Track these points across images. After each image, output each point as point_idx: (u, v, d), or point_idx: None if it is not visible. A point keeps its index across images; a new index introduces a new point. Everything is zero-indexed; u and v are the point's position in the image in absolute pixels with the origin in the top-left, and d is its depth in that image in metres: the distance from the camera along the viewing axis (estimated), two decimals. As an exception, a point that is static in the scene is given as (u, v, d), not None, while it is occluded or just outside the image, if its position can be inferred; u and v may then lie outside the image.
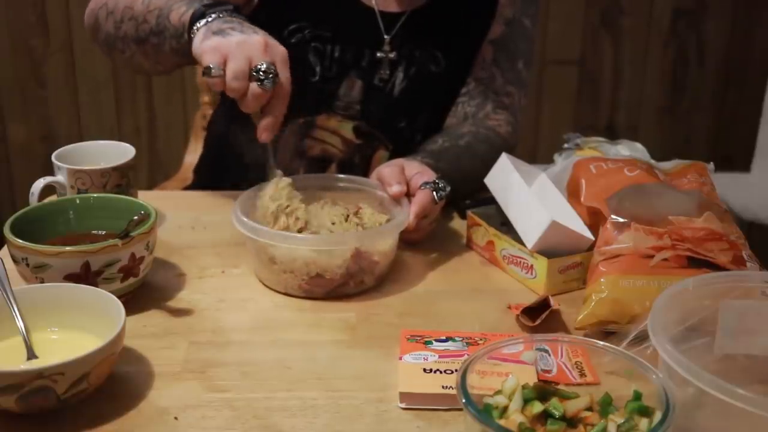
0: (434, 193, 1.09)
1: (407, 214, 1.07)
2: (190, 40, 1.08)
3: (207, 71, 1.00)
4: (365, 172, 1.29)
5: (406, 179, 1.12)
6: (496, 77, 1.38)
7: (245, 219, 1.03)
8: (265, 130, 1.05)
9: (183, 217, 1.24)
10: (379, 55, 1.33)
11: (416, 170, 1.12)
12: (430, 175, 1.11)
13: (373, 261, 1.03)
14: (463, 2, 1.36)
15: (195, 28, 1.08)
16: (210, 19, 1.07)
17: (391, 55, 1.33)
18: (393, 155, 1.34)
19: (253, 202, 1.09)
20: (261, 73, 1.00)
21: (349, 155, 1.37)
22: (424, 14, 1.34)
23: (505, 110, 1.39)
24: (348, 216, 1.10)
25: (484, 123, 1.36)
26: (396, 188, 1.10)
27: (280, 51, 1.04)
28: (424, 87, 1.36)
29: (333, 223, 1.08)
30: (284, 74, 1.04)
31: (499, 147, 1.25)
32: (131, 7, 1.20)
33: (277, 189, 1.08)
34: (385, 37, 1.33)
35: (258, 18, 1.32)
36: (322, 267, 1.01)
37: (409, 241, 1.15)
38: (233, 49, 1.01)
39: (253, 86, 1.00)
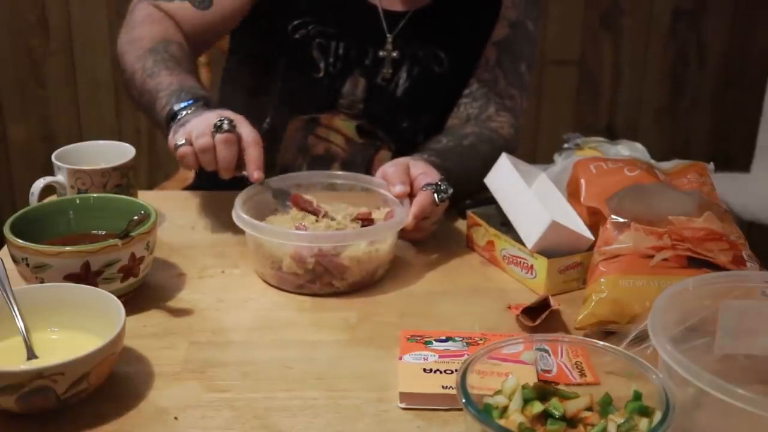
0: (435, 194, 1.09)
1: (390, 223, 1.06)
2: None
3: (176, 148, 1.07)
4: (367, 172, 1.29)
5: (410, 179, 1.12)
6: (499, 79, 1.38)
7: (243, 214, 1.05)
8: (254, 170, 1.07)
9: (183, 217, 1.24)
10: (381, 53, 1.33)
11: (421, 170, 1.12)
12: (434, 176, 1.11)
13: (341, 264, 1.03)
14: (467, 3, 1.36)
15: (170, 127, 1.12)
16: (180, 116, 1.11)
17: (394, 54, 1.34)
18: (396, 155, 1.34)
19: (253, 198, 1.11)
20: (217, 126, 1.05)
21: (351, 154, 1.37)
22: (428, 14, 1.35)
23: (508, 112, 1.39)
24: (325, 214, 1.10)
25: (487, 124, 1.37)
26: (399, 188, 1.10)
27: (237, 114, 1.08)
28: (427, 87, 1.36)
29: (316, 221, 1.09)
30: (244, 128, 1.07)
31: (501, 148, 1.25)
32: (132, 78, 1.23)
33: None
34: (388, 35, 1.33)
35: (259, 11, 1.33)
36: (286, 262, 1.02)
37: (411, 240, 1.15)
38: (194, 123, 1.07)
39: (217, 136, 1.05)
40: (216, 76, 1.70)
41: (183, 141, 1.06)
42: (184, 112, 1.11)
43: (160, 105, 1.15)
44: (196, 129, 1.06)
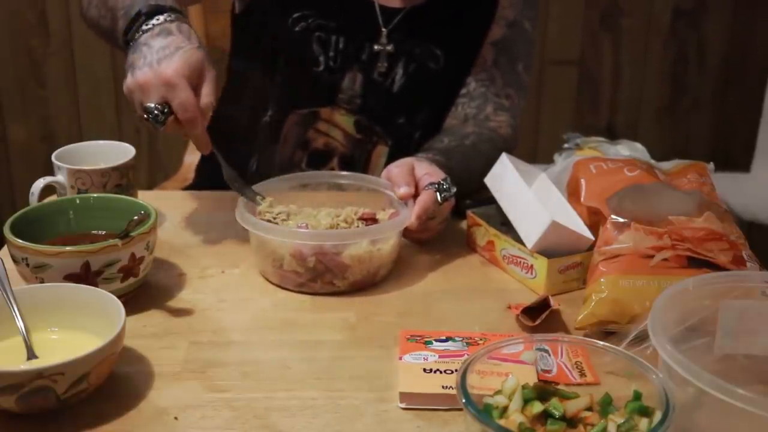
0: (438, 194, 1.09)
1: (392, 222, 1.06)
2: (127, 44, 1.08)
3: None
4: (365, 167, 1.29)
5: (415, 180, 1.12)
6: (497, 79, 1.38)
7: (246, 213, 1.06)
8: (199, 147, 1.06)
9: (183, 217, 1.24)
10: (376, 47, 1.33)
11: (425, 171, 1.12)
12: (437, 176, 1.11)
13: (342, 263, 1.03)
14: (463, 1, 1.36)
15: (127, 38, 1.07)
16: (138, 37, 1.05)
17: (389, 48, 1.33)
18: (392, 151, 1.34)
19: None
20: (155, 113, 1.00)
21: (350, 149, 1.38)
22: (424, 11, 1.35)
23: (506, 112, 1.39)
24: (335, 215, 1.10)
25: (486, 124, 1.37)
26: (403, 190, 1.10)
27: (170, 71, 1.00)
28: (423, 84, 1.37)
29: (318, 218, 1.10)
30: (181, 96, 1.00)
31: (500, 148, 1.25)
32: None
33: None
34: (383, 29, 1.33)
35: (258, 4, 1.32)
36: (287, 260, 1.02)
37: (416, 240, 1.15)
38: (133, 93, 1.03)
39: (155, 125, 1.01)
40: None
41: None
42: (164, 18, 1.05)
43: (134, 8, 1.08)
44: (135, 99, 1.02)
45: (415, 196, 1.10)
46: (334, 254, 1.02)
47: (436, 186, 1.09)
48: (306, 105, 1.35)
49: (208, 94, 1.03)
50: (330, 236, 1.03)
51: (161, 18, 1.05)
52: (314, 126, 1.36)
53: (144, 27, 1.05)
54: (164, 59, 1.01)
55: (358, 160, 1.37)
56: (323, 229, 1.06)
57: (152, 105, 1.00)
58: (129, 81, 1.02)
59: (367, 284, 1.05)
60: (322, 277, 1.03)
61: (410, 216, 1.07)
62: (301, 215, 1.10)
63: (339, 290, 1.04)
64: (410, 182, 1.10)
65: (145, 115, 1.01)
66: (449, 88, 1.39)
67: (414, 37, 1.34)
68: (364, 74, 1.35)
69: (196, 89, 1.02)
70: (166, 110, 1.00)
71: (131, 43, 1.06)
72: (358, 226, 1.08)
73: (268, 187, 1.14)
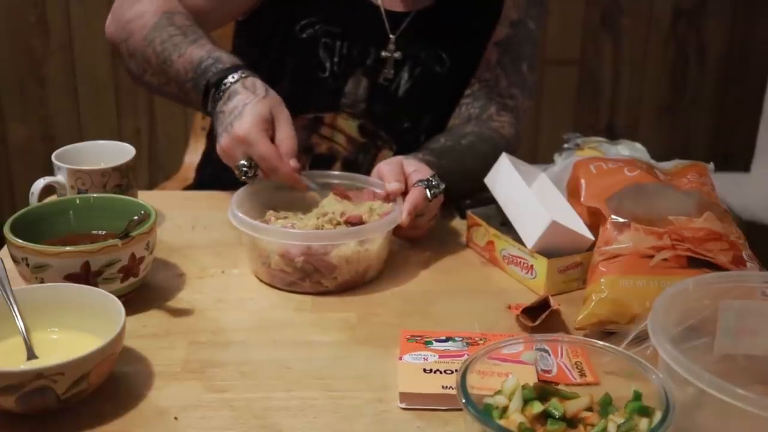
0: (427, 190, 1.09)
1: (379, 223, 1.06)
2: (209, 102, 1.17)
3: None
4: (369, 172, 1.29)
5: (404, 177, 1.12)
6: (500, 79, 1.38)
7: (237, 212, 1.06)
8: (293, 187, 1.13)
9: (183, 217, 1.24)
10: (383, 54, 1.33)
11: (414, 168, 1.13)
12: (426, 173, 1.11)
13: (330, 263, 1.03)
14: (469, 3, 1.36)
15: (212, 95, 1.15)
16: (226, 86, 1.14)
17: (396, 55, 1.34)
18: (397, 155, 1.34)
19: (252, 196, 1.12)
20: (242, 172, 1.10)
21: (354, 154, 1.38)
22: (430, 15, 1.35)
23: (509, 112, 1.39)
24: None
25: (488, 124, 1.36)
26: (393, 185, 1.10)
27: (242, 131, 1.09)
28: (429, 88, 1.37)
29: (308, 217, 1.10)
30: (258, 150, 1.08)
31: (501, 148, 1.25)
32: (149, 62, 1.24)
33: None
34: (390, 36, 1.33)
35: (266, 10, 1.33)
36: (274, 259, 1.02)
37: (408, 239, 1.15)
38: (222, 160, 1.12)
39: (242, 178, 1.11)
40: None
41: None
42: (229, 81, 1.14)
43: (202, 80, 1.17)
44: (225, 156, 1.11)
45: (405, 193, 1.10)
46: (322, 254, 1.02)
47: (426, 182, 1.10)
48: (310, 110, 1.35)
49: (286, 138, 1.11)
50: (318, 237, 1.03)
51: (227, 83, 1.14)
52: (318, 131, 1.36)
53: (216, 97, 1.14)
54: (235, 120, 1.10)
55: (362, 165, 1.36)
56: (311, 230, 1.06)
57: (241, 163, 1.09)
58: (218, 149, 1.12)
59: (356, 284, 1.06)
60: (310, 276, 1.03)
61: (399, 216, 1.07)
62: (291, 216, 1.11)
63: (328, 290, 1.04)
64: (400, 179, 1.11)
65: (240, 174, 1.10)
66: (454, 91, 1.39)
67: (420, 41, 1.34)
68: (369, 79, 1.35)
69: (273, 136, 1.11)
70: (253, 164, 1.10)
71: (213, 114, 1.16)
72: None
73: (258, 186, 1.14)
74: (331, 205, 1.11)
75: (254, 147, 1.08)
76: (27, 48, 2.54)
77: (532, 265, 1.05)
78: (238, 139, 1.08)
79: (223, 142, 1.10)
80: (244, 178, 1.10)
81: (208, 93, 1.16)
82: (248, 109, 1.09)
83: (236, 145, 1.09)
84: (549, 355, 0.87)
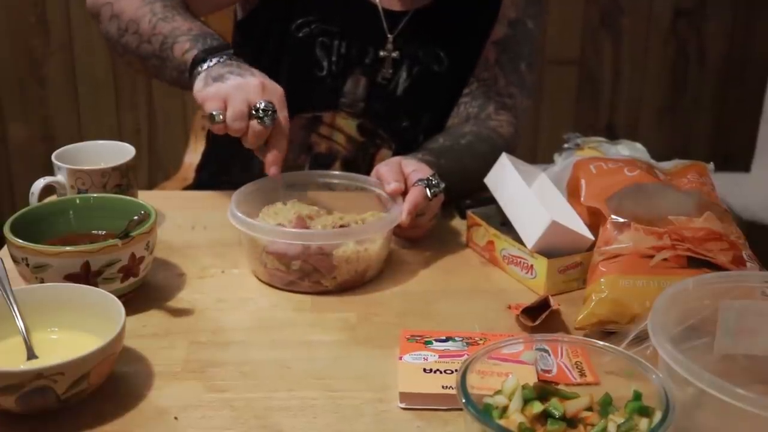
0: (427, 189, 1.09)
1: (379, 223, 1.06)
2: (191, 77, 1.12)
3: (211, 119, 1.05)
4: (368, 171, 1.29)
5: (404, 177, 1.12)
6: (499, 78, 1.38)
7: (238, 212, 1.05)
8: (272, 165, 1.08)
9: (183, 217, 1.24)
10: (382, 53, 1.34)
11: (413, 168, 1.12)
12: (425, 172, 1.11)
13: (329, 263, 1.03)
14: (467, 3, 1.36)
15: (196, 72, 1.11)
16: (211, 64, 1.11)
17: (394, 54, 1.34)
18: (396, 155, 1.34)
19: (250, 197, 1.12)
20: (260, 111, 1.05)
21: (353, 153, 1.38)
22: (428, 14, 1.35)
23: (508, 111, 1.39)
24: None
25: (486, 123, 1.36)
26: (393, 185, 1.10)
27: (277, 90, 1.09)
28: (428, 87, 1.37)
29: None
30: (282, 113, 1.07)
31: (500, 147, 1.26)
32: (136, 21, 1.21)
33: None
34: (389, 36, 1.33)
35: (263, 9, 1.33)
36: (269, 259, 1.02)
37: (408, 238, 1.15)
38: (232, 92, 1.05)
39: (253, 124, 1.05)
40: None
41: (218, 113, 1.04)
42: (214, 59, 1.11)
43: (179, 50, 1.14)
44: (233, 103, 1.04)
45: (405, 193, 1.10)
46: (320, 254, 1.02)
47: (425, 182, 1.10)
48: (309, 109, 1.35)
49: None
50: (315, 236, 1.03)
51: (229, 53, 1.12)
52: (317, 130, 1.37)
53: (213, 61, 1.11)
54: (245, 73, 1.08)
55: (361, 164, 1.37)
56: (311, 230, 1.06)
57: (265, 103, 1.04)
58: (210, 91, 1.06)
59: (356, 284, 1.05)
60: (309, 276, 1.03)
61: (399, 215, 1.07)
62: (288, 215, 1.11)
63: (328, 290, 1.04)
64: (399, 179, 1.11)
65: (255, 112, 1.04)
66: (452, 90, 1.39)
67: (418, 40, 1.34)
68: (367, 78, 1.35)
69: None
70: (273, 107, 1.05)
71: (197, 73, 1.11)
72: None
73: (256, 186, 1.13)
74: (300, 207, 1.12)
75: (274, 92, 1.06)
76: (27, 48, 2.54)
77: (532, 265, 1.05)
78: (265, 85, 1.06)
79: (248, 78, 1.06)
80: (259, 119, 1.04)
81: (203, 60, 1.12)
82: (253, 69, 1.10)
83: (258, 89, 1.05)
84: (549, 355, 0.87)
